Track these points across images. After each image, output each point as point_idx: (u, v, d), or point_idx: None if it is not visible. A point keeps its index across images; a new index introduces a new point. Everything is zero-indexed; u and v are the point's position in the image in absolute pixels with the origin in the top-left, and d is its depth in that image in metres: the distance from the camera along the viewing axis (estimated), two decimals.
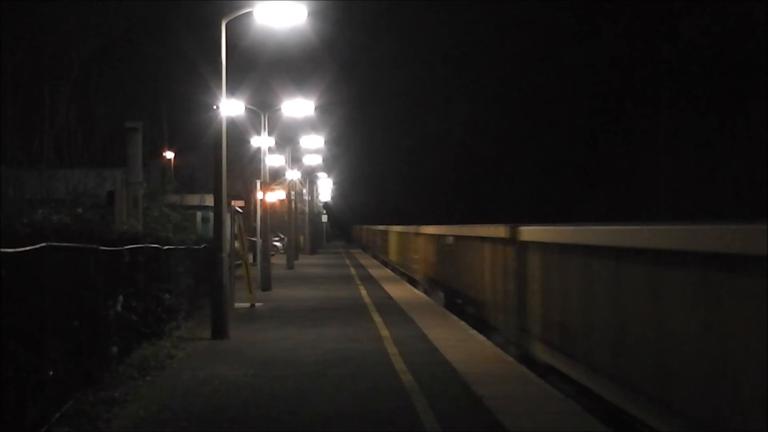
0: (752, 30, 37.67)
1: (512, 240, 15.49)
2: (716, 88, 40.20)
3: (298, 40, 38.03)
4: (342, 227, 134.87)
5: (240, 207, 23.77)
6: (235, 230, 22.98)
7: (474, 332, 17.30)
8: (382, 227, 57.49)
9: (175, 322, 17.02)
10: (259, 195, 30.84)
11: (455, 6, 61.79)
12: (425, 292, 28.03)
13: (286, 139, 44.29)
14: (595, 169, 49.96)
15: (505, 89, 56.78)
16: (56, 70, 25.13)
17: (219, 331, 16.23)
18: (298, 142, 47.63)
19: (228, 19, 16.69)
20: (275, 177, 39.03)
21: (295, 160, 48.98)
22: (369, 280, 34.13)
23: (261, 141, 32.37)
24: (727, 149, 39.16)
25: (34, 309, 8.55)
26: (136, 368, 12.41)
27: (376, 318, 19.75)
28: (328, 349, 14.79)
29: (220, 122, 16.88)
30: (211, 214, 20.22)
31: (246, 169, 50.59)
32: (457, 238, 22.96)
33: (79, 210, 18.55)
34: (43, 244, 8.70)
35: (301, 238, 64.91)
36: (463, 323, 18.93)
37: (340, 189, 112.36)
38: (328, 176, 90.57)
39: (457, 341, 15.73)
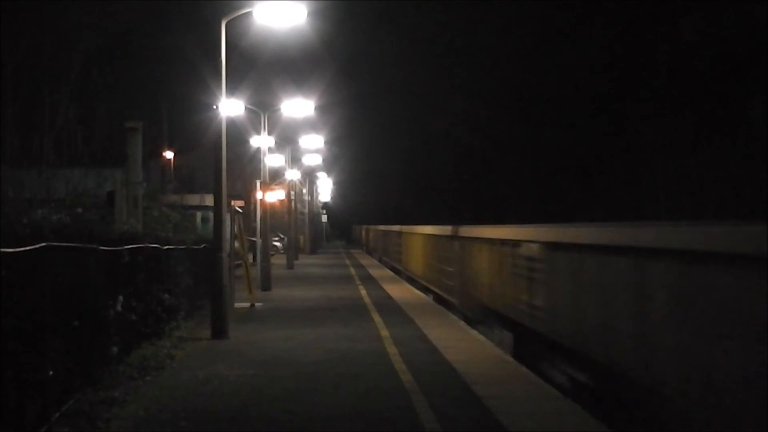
0: (752, 30, 37.65)
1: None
2: (716, 88, 40.18)
3: (298, 40, 38.10)
4: (342, 227, 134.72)
5: (240, 207, 23.77)
6: (235, 230, 22.98)
7: (474, 332, 17.29)
8: (395, 228, 43.88)
9: (174, 322, 17.02)
10: (259, 195, 30.84)
11: (455, 6, 61.79)
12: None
13: (286, 139, 44.28)
14: (595, 169, 49.93)
15: (505, 89, 56.79)
16: (56, 69, 25.10)
17: (219, 331, 16.24)
18: (298, 142, 47.62)
19: (228, 19, 16.70)
20: (275, 177, 39.02)
21: (294, 160, 48.96)
22: (369, 280, 34.14)
23: (261, 141, 32.37)
24: (727, 149, 39.13)
25: (34, 309, 8.55)
26: (136, 368, 12.41)
27: (376, 318, 19.76)
28: (328, 349, 14.79)
29: (220, 122, 16.88)
30: (211, 214, 20.22)
31: (246, 169, 50.57)
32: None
33: (79, 210, 18.50)
34: (43, 244, 8.70)
35: (301, 238, 64.90)
36: (462, 323, 18.90)
37: (340, 189, 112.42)
38: (328, 176, 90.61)
39: (457, 341, 15.74)
